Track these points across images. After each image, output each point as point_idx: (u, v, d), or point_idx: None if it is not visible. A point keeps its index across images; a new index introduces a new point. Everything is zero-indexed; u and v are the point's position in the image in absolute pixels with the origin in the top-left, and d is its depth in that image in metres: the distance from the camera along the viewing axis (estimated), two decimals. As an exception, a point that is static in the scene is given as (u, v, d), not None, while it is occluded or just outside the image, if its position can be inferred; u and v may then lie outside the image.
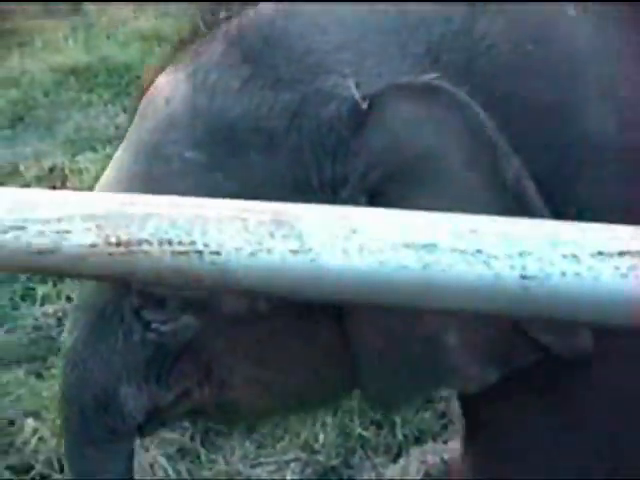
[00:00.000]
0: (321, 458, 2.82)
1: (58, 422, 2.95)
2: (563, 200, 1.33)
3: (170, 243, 0.82)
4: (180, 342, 1.43)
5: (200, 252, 0.81)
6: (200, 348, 1.44)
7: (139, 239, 0.83)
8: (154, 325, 1.42)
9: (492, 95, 1.34)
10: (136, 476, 2.66)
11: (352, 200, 1.30)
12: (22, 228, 0.88)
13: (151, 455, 2.88)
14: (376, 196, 1.31)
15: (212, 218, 0.82)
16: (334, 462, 2.81)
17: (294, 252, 0.80)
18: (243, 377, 1.48)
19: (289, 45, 1.36)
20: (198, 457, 2.92)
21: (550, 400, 1.47)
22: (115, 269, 0.85)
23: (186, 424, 2.97)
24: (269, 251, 0.80)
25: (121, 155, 1.46)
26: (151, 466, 2.85)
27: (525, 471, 1.54)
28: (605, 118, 1.37)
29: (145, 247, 0.83)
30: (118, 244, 0.84)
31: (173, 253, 0.82)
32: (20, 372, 3.40)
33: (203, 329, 1.41)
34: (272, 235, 0.80)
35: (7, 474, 2.96)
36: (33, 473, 2.94)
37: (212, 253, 0.81)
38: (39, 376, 3.39)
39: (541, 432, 1.50)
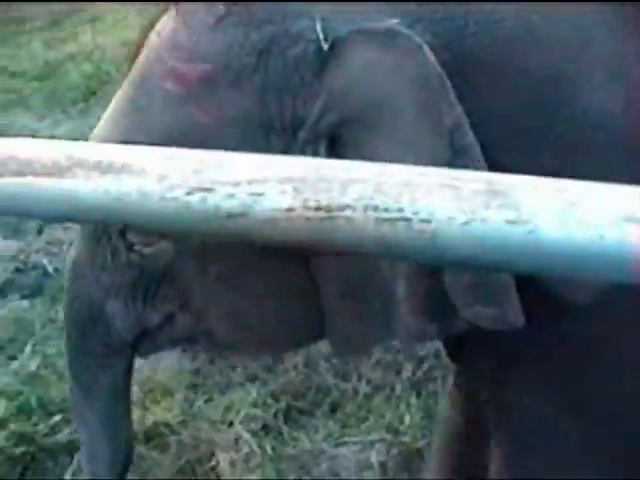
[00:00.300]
0: (406, 439, 2.79)
1: (140, 395, 2.98)
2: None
3: (375, 209, 0.78)
4: (160, 266, 1.47)
5: (408, 220, 0.77)
6: (178, 274, 1.48)
7: (341, 204, 0.79)
8: (136, 247, 1.47)
9: (490, 63, 1.34)
10: (221, 451, 2.69)
11: (308, 142, 1.32)
12: (209, 190, 0.85)
13: (235, 431, 2.87)
14: (335, 140, 1.32)
15: (421, 185, 0.78)
16: (419, 444, 2.77)
17: (511, 223, 0.76)
18: (216, 308, 1.51)
19: None
20: (281, 434, 2.90)
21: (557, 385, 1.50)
22: (312, 235, 0.82)
23: (269, 400, 2.96)
24: (483, 221, 0.76)
25: (120, 89, 1.51)
26: (236, 441, 2.83)
27: (543, 455, 1.56)
28: (610, 98, 1.35)
29: (347, 213, 0.79)
30: (317, 209, 0.80)
31: (378, 220, 0.78)
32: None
33: (179, 256, 1.45)
34: (487, 205, 0.76)
35: (90, 444, 2.95)
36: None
37: (422, 221, 0.77)
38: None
39: (550, 416, 1.52)
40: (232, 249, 1.35)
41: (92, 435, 1.65)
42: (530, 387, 1.52)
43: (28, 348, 3.45)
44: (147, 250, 1.47)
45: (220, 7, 1.37)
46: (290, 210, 0.81)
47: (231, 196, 0.83)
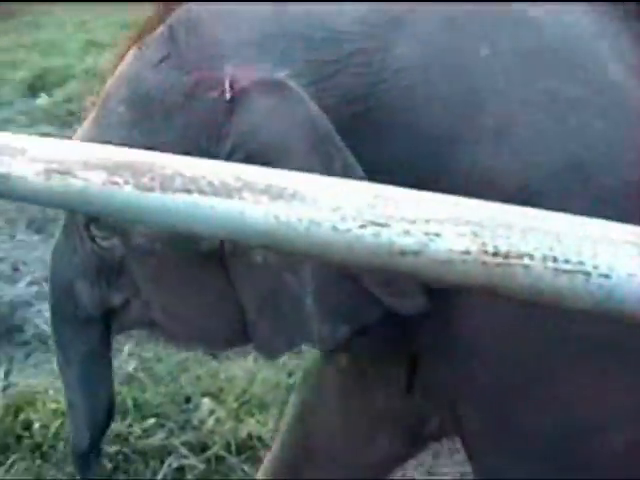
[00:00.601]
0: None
1: (235, 406, 3.00)
2: None
3: (555, 260, 0.79)
4: (116, 257, 1.70)
5: (588, 274, 0.78)
6: (128, 267, 1.70)
7: (520, 252, 0.80)
8: (97, 239, 1.71)
9: (392, 116, 1.49)
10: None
11: None
12: (384, 225, 0.86)
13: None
14: None
15: (603, 239, 0.78)
16: None
17: (693, 285, 0.76)
18: (156, 301, 1.73)
19: (201, 34, 1.57)
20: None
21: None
22: (487, 279, 0.82)
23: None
24: (664, 281, 0.76)
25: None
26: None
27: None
28: (495, 157, 1.46)
29: (525, 261, 0.79)
30: (495, 254, 0.81)
31: (556, 271, 0.79)
32: (199, 351, 3.44)
33: (128, 252, 1.67)
34: (668, 265, 0.76)
35: (183, 450, 3.00)
36: (209, 453, 2.97)
37: (601, 276, 0.77)
38: (215, 357, 3.43)
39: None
40: (162, 252, 1.60)
41: (73, 395, 1.91)
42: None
43: (126, 349, 3.50)
44: (104, 243, 1.70)
45: (165, 49, 1.59)
46: (466, 253, 0.82)
47: (407, 233, 0.84)
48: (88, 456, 1.93)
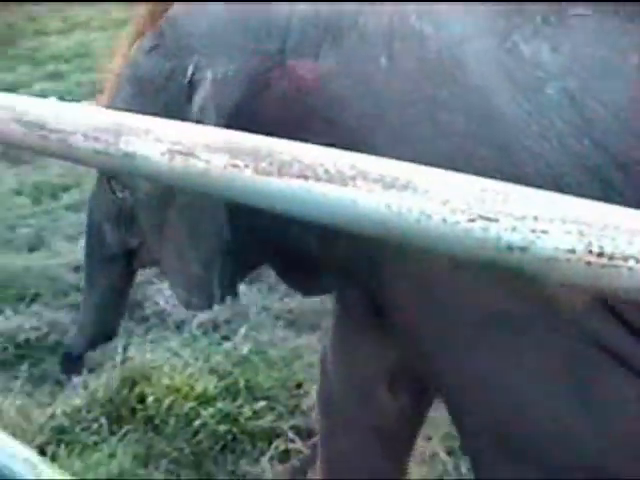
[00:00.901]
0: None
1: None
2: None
3: (660, 264, 0.79)
4: (128, 208, 2.08)
5: (692, 278, 0.78)
6: (137, 217, 2.07)
7: (626, 254, 0.80)
8: (116, 192, 2.09)
9: (318, 121, 1.71)
10: (415, 465, 2.70)
11: None
12: (493, 220, 0.87)
13: (432, 446, 2.89)
14: None
15: None
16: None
17: None
18: (155, 248, 2.09)
19: (179, 28, 1.89)
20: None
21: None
22: (589, 279, 0.83)
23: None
24: None
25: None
26: (431, 457, 2.85)
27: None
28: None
29: (630, 263, 0.80)
30: (600, 255, 0.81)
31: (661, 275, 0.79)
32: (313, 338, 3.48)
33: (135, 204, 2.05)
34: None
35: (290, 434, 3.04)
36: (315, 439, 3.00)
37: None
38: (328, 346, 3.45)
39: None
40: (155, 205, 1.97)
41: (85, 317, 2.35)
42: None
43: (242, 332, 3.56)
44: (120, 195, 2.08)
45: (155, 40, 1.93)
46: (571, 252, 0.82)
47: (514, 229, 0.85)
48: (76, 359, 2.38)
